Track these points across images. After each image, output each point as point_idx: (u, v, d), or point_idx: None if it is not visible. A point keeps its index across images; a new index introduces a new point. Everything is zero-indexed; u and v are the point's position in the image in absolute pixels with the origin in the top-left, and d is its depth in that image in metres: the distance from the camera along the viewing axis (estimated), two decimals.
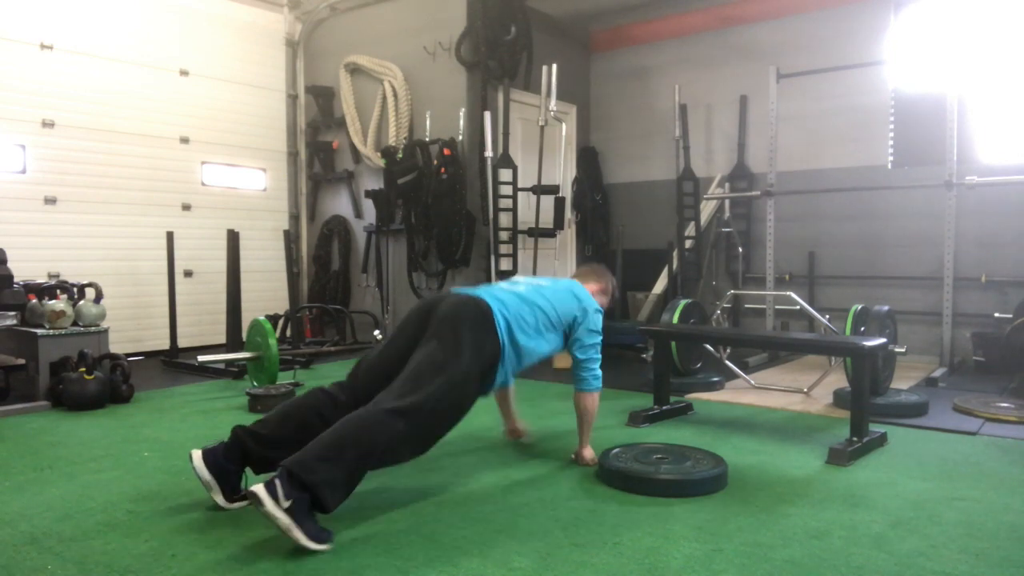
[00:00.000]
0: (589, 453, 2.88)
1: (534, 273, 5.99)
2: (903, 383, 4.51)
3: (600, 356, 2.87)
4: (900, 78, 5.72)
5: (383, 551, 2.06)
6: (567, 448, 3.09)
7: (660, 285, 6.47)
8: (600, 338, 2.87)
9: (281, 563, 1.99)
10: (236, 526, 2.27)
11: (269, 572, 1.95)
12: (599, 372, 2.85)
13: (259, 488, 1.97)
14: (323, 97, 6.99)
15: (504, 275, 5.90)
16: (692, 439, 3.25)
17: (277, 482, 1.99)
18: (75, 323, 4.27)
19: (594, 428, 2.93)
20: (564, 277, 3.10)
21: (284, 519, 1.96)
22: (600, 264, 3.23)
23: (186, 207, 6.31)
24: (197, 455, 2.34)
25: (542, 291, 2.80)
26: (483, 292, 2.64)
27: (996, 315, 5.18)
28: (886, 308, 3.92)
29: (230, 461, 2.35)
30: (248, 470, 2.40)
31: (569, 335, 2.83)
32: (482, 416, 3.80)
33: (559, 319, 2.77)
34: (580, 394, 2.85)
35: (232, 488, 2.36)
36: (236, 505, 2.35)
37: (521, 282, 2.89)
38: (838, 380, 4.26)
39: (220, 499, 2.34)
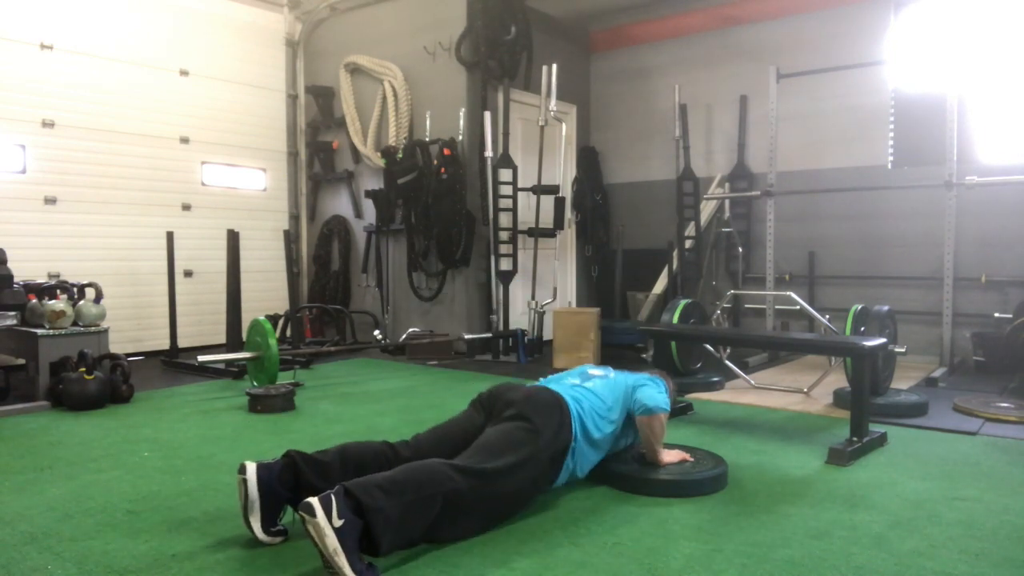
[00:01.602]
0: (670, 456, 2.70)
1: (534, 273, 6.00)
2: (903, 383, 4.51)
3: (660, 387, 2.70)
4: (900, 78, 5.71)
5: None
6: None
7: (660, 285, 6.47)
8: (662, 391, 2.69)
9: (281, 563, 1.99)
10: (236, 526, 2.27)
11: (269, 572, 1.95)
12: (657, 394, 2.64)
13: (313, 499, 1.77)
14: (323, 97, 6.99)
15: (504, 275, 5.91)
16: (692, 439, 3.25)
17: (332, 497, 1.80)
18: (75, 323, 4.27)
19: None
20: (582, 370, 2.90)
21: (332, 540, 1.75)
22: (660, 370, 3.05)
23: (186, 207, 6.31)
24: (252, 468, 2.08)
25: (608, 382, 2.72)
26: (554, 385, 2.62)
27: (996, 315, 5.18)
28: (886, 308, 3.92)
29: (281, 483, 2.11)
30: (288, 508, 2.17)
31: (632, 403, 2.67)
32: None
33: (622, 404, 2.66)
34: (649, 418, 2.61)
35: (272, 516, 2.11)
36: (269, 539, 2.09)
37: (591, 376, 2.76)
38: (838, 380, 4.26)
39: (257, 526, 2.08)
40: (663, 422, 2.65)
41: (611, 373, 2.83)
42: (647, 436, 2.65)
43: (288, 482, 2.11)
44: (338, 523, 1.77)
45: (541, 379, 2.79)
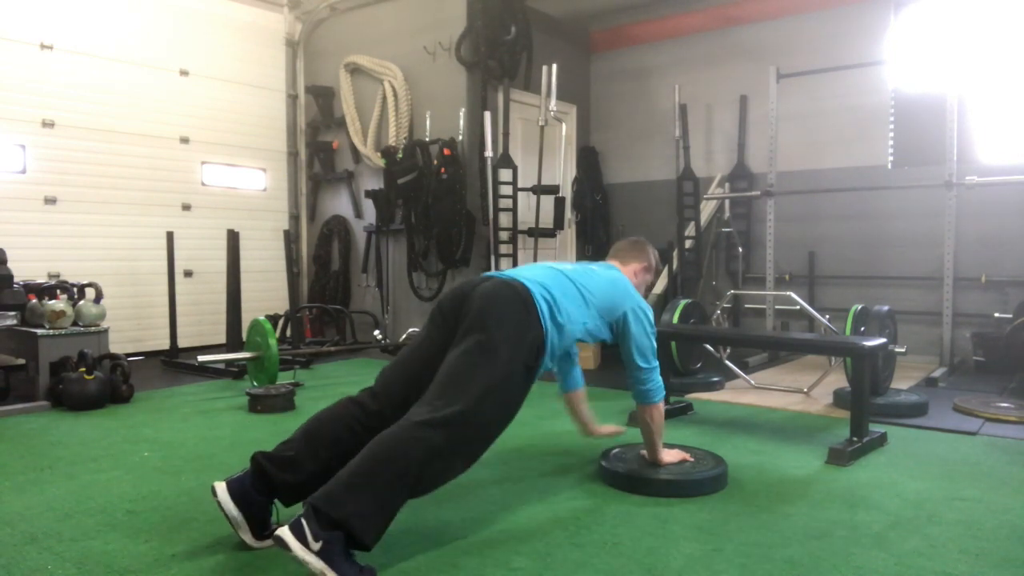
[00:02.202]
0: (670, 455, 2.64)
1: None
2: (903, 383, 4.51)
3: (658, 362, 2.56)
4: (900, 78, 5.71)
5: (382, 551, 2.05)
6: (567, 448, 3.09)
7: (660, 285, 6.46)
8: (655, 337, 2.55)
9: (281, 562, 1.99)
10: None
11: (269, 572, 1.95)
12: (660, 380, 2.55)
13: (284, 531, 1.73)
14: (323, 97, 6.99)
15: None
16: (692, 439, 3.25)
17: (303, 521, 1.74)
18: (75, 323, 4.27)
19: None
20: (557, 263, 2.65)
21: (316, 563, 1.70)
22: (638, 238, 2.86)
23: (186, 207, 6.31)
24: (221, 488, 2.02)
25: (589, 273, 2.50)
26: (517, 273, 2.34)
27: (996, 315, 5.18)
28: (886, 308, 3.92)
29: (257, 491, 2.03)
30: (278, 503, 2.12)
31: (618, 332, 2.50)
32: None
33: (606, 308, 2.45)
34: (644, 407, 2.54)
35: (261, 523, 2.05)
36: (267, 544, 2.03)
37: (567, 264, 2.56)
38: (838, 380, 4.26)
39: (249, 538, 2.04)
40: (662, 412, 2.57)
41: (591, 264, 2.63)
42: (647, 429, 2.57)
43: (263, 488, 2.04)
44: (316, 546, 1.72)
45: (509, 271, 2.45)
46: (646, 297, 2.72)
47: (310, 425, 2.17)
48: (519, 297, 2.20)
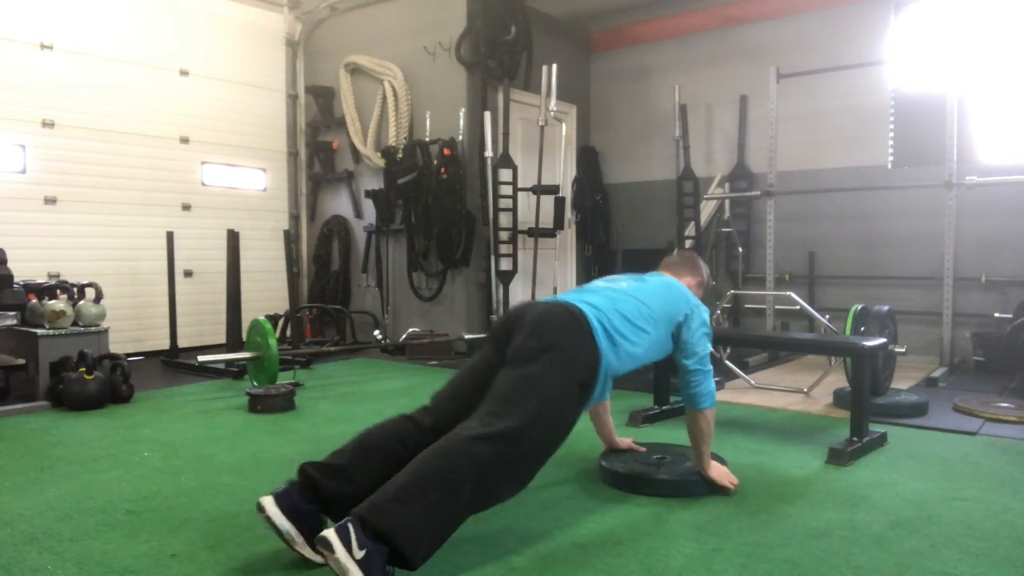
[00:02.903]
0: (716, 471, 2.52)
1: (534, 273, 5.99)
2: (903, 383, 4.51)
3: (712, 367, 2.51)
4: (900, 78, 5.71)
5: None
6: (567, 448, 3.08)
7: None
8: (710, 341, 2.50)
9: (282, 562, 1.99)
10: (236, 526, 2.27)
11: (268, 571, 1.95)
12: (712, 386, 2.47)
13: (330, 532, 1.67)
14: (323, 97, 6.99)
15: (504, 275, 5.91)
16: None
17: (350, 526, 1.68)
18: (75, 323, 4.27)
19: (592, 428, 2.91)
20: (613, 276, 2.66)
21: (355, 572, 1.64)
22: (690, 251, 2.78)
23: (186, 207, 6.31)
24: (269, 502, 1.92)
25: (645, 286, 2.47)
26: (571, 296, 2.33)
27: (996, 315, 5.18)
28: (886, 308, 3.92)
29: (307, 502, 1.94)
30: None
31: (676, 337, 2.46)
32: None
33: (666, 316, 2.42)
34: (694, 413, 2.46)
35: (315, 533, 1.87)
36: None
37: (622, 278, 2.55)
38: (838, 380, 4.26)
39: (307, 551, 1.92)
40: (711, 419, 2.46)
41: (645, 277, 2.58)
42: (695, 435, 2.48)
43: (311, 497, 1.96)
44: (359, 554, 1.65)
45: (560, 295, 2.45)
46: None
47: (362, 437, 2.11)
48: (573, 317, 2.18)
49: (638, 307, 2.35)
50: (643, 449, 2.84)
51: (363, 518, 1.71)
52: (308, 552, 1.93)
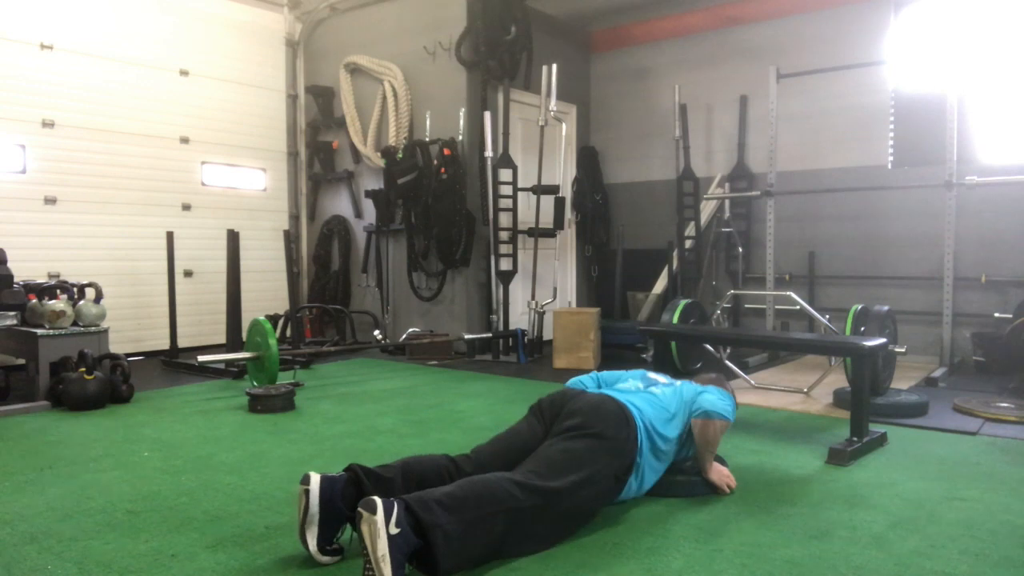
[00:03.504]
0: (717, 474, 2.55)
1: (534, 273, 6.00)
2: (903, 383, 4.51)
3: (734, 403, 2.60)
4: (900, 78, 5.72)
5: None
6: None
7: (660, 285, 6.47)
8: (734, 414, 2.57)
9: (282, 563, 1.99)
10: (236, 526, 2.27)
11: (268, 571, 1.95)
12: (731, 405, 2.55)
13: (378, 499, 1.72)
14: (323, 97, 6.99)
15: (504, 275, 5.91)
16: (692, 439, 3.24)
17: (396, 504, 1.74)
18: (75, 323, 4.27)
19: None
20: (647, 376, 2.75)
21: (384, 544, 1.68)
22: (718, 374, 2.91)
23: (186, 207, 6.31)
24: (316, 480, 1.95)
25: (674, 390, 2.59)
26: (615, 392, 2.47)
27: (996, 315, 5.18)
28: (886, 308, 3.91)
29: (343, 501, 1.97)
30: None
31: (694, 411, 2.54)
32: (480, 416, 3.81)
33: (685, 408, 2.54)
34: (705, 421, 2.47)
35: (329, 534, 1.98)
36: (324, 559, 1.97)
37: (655, 382, 2.66)
38: (838, 380, 4.26)
39: (313, 543, 1.95)
40: (719, 430, 2.49)
41: (676, 382, 2.69)
42: (700, 441, 2.51)
43: (350, 498, 1.97)
44: (394, 530, 1.70)
45: (597, 383, 2.63)
46: None
47: (409, 459, 2.20)
48: (622, 411, 2.32)
49: (665, 413, 2.47)
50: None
51: (409, 505, 1.77)
52: (313, 546, 1.95)
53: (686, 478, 2.54)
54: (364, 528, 1.71)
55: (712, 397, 2.53)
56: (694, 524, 2.26)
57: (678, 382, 2.69)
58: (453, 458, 2.25)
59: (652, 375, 2.73)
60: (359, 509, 1.74)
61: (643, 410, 2.40)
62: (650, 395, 2.52)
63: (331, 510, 1.96)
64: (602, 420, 2.26)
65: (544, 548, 2.06)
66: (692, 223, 6.34)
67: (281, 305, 6.50)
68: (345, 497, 1.97)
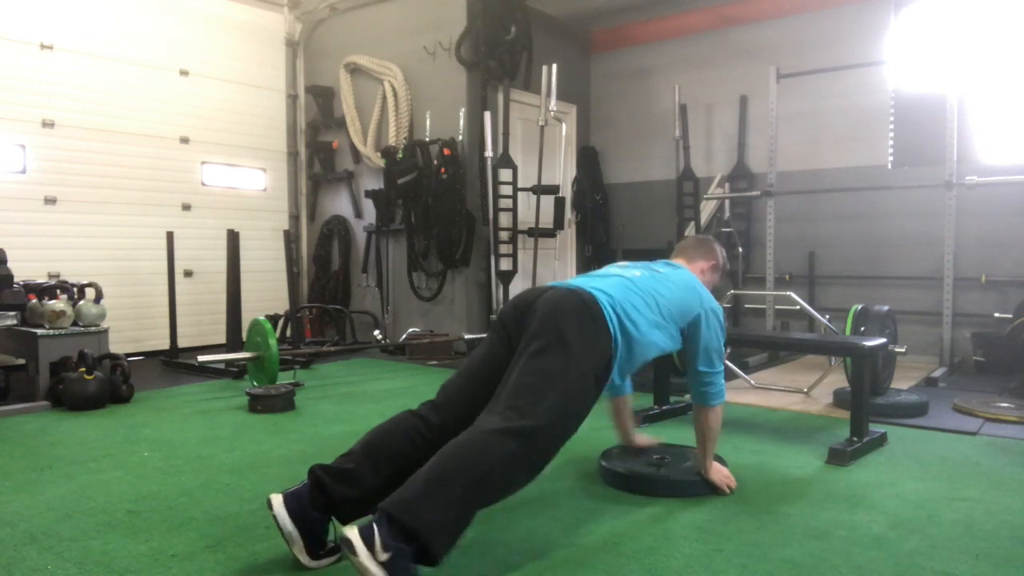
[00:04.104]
0: (717, 474, 2.50)
1: (534, 273, 5.99)
2: (903, 383, 4.51)
3: (723, 366, 2.47)
4: (900, 78, 5.72)
5: None
6: (567, 448, 3.08)
7: None
8: (724, 340, 2.46)
9: (282, 563, 1.99)
10: (236, 526, 2.27)
11: (268, 571, 1.95)
12: (723, 384, 2.45)
13: (352, 532, 1.62)
14: (323, 97, 6.99)
15: (504, 275, 5.91)
16: (692, 439, 3.24)
17: (375, 527, 1.63)
18: (75, 323, 4.27)
19: (594, 428, 2.89)
20: (625, 264, 2.56)
21: (379, 575, 1.60)
22: (705, 236, 2.67)
23: (186, 207, 6.31)
24: (278, 501, 1.90)
25: (660, 278, 2.39)
26: (584, 282, 2.26)
27: (996, 315, 5.18)
28: (886, 308, 3.91)
29: (313, 506, 1.91)
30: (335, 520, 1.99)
31: (687, 335, 2.41)
32: None
33: (679, 313, 2.36)
34: (701, 408, 2.45)
35: (317, 542, 1.93)
36: (323, 563, 1.94)
37: (635, 266, 2.48)
38: (838, 380, 4.26)
39: (303, 557, 1.92)
40: (719, 417, 2.44)
41: (659, 266, 2.50)
42: (701, 433, 2.44)
43: (320, 503, 1.91)
44: (383, 556, 1.60)
45: (572, 280, 2.36)
46: (715, 294, 2.58)
47: (370, 438, 2.05)
48: (586, 306, 2.10)
49: (652, 298, 2.28)
50: (661, 441, 2.76)
51: (390, 514, 1.66)
52: (305, 559, 1.92)
53: (686, 478, 2.54)
54: (355, 566, 1.62)
55: (708, 375, 2.38)
56: (694, 524, 2.26)
57: (661, 268, 2.49)
58: (419, 413, 2.09)
59: (626, 263, 2.55)
60: (343, 554, 1.67)
61: (613, 296, 2.18)
62: (626, 280, 2.30)
63: (306, 522, 1.90)
64: (564, 318, 2.05)
65: (533, 477, 1.96)
66: (692, 223, 6.34)
67: (281, 305, 6.50)
68: (315, 504, 1.91)
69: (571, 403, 1.99)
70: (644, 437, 2.94)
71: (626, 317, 2.17)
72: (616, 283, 2.26)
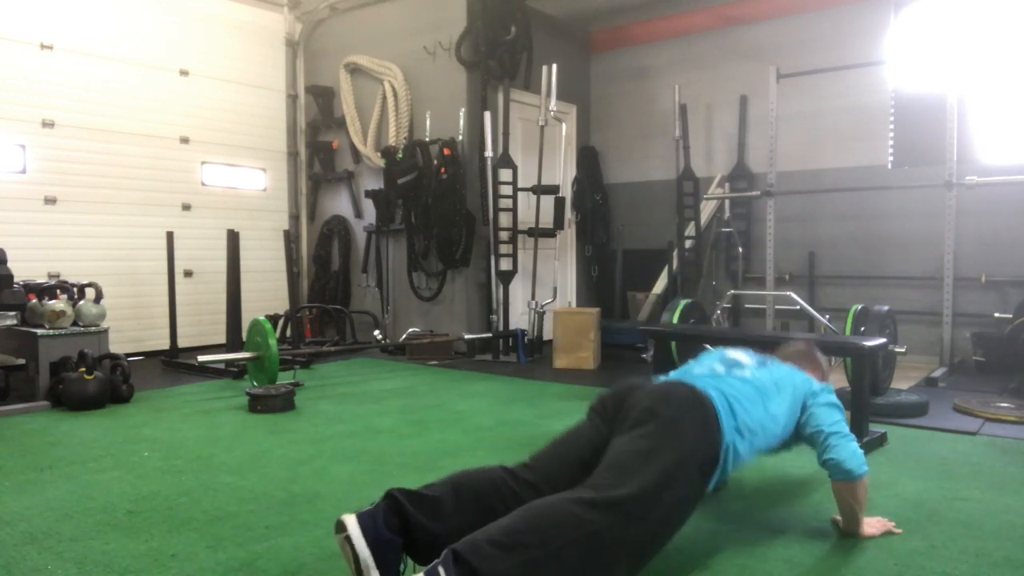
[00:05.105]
0: (874, 528, 2.19)
1: (534, 273, 6.00)
2: (903, 383, 4.51)
3: (850, 433, 2.19)
4: (900, 78, 5.72)
5: None
6: None
7: (660, 285, 6.47)
8: (843, 414, 2.24)
9: (282, 563, 1.99)
10: (236, 526, 2.27)
11: (268, 571, 1.95)
12: (858, 447, 2.13)
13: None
14: (323, 97, 6.99)
15: (504, 275, 5.91)
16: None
17: (440, 569, 1.49)
18: (75, 323, 4.27)
19: None
20: (729, 354, 2.39)
21: None
22: (806, 343, 2.60)
23: (186, 207, 6.31)
24: (352, 521, 1.66)
25: (769, 372, 2.25)
26: (694, 378, 2.09)
27: (996, 315, 5.18)
28: (886, 308, 3.91)
29: (391, 530, 1.69)
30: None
31: (802, 420, 2.22)
32: (480, 416, 3.81)
33: (791, 397, 2.21)
34: (847, 485, 2.10)
35: (391, 570, 1.68)
36: None
37: (739, 356, 2.32)
38: (838, 380, 4.24)
39: None
40: (867, 487, 2.13)
41: (766, 360, 2.34)
42: (847, 505, 2.16)
43: (396, 526, 1.71)
44: None
45: (677, 373, 2.24)
46: None
47: (458, 475, 1.90)
48: (697, 397, 1.96)
49: (763, 391, 2.14)
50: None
51: (459, 554, 1.51)
52: None
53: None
54: None
55: (842, 439, 2.13)
56: (694, 524, 2.26)
57: (768, 361, 2.31)
58: (509, 468, 1.94)
59: (732, 354, 2.32)
60: None
61: (723, 390, 2.03)
62: (733, 378, 2.15)
63: (382, 546, 1.67)
64: (674, 407, 1.91)
65: (637, 568, 1.75)
66: (692, 223, 6.34)
67: (281, 305, 6.50)
68: (391, 527, 1.70)
69: (670, 484, 1.77)
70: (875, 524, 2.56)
71: (741, 412, 2.03)
72: (726, 382, 2.12)
